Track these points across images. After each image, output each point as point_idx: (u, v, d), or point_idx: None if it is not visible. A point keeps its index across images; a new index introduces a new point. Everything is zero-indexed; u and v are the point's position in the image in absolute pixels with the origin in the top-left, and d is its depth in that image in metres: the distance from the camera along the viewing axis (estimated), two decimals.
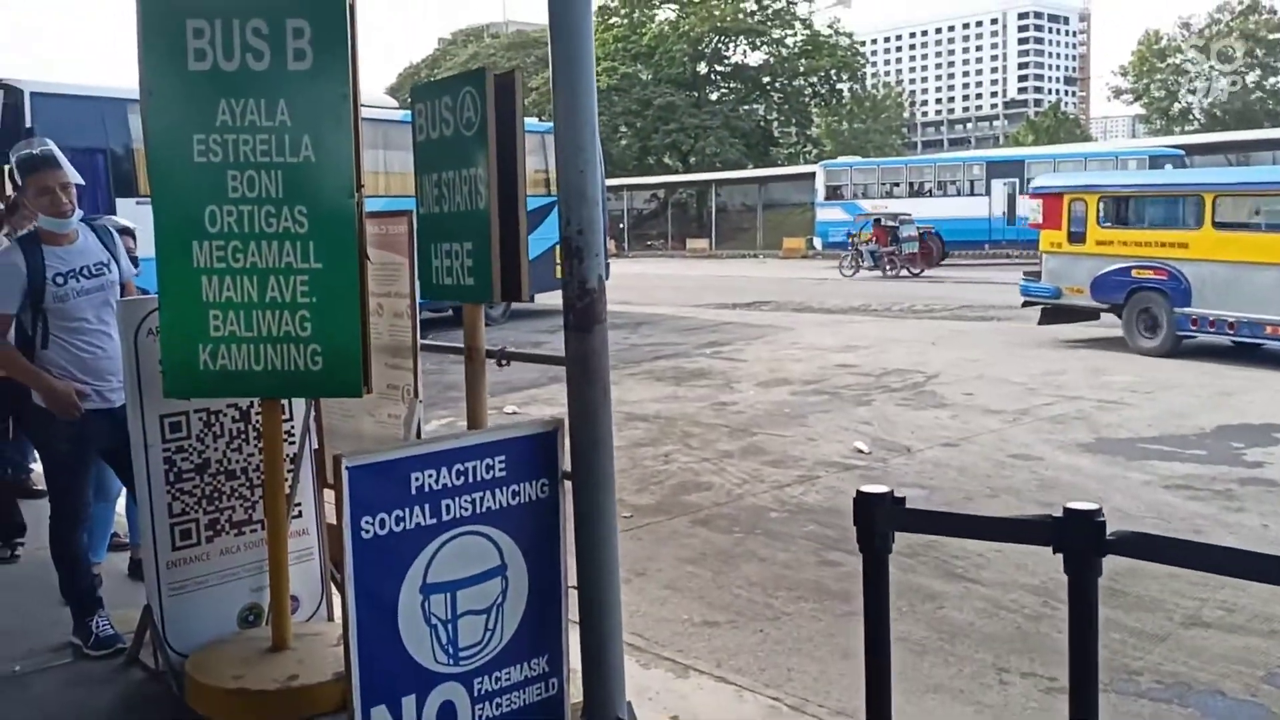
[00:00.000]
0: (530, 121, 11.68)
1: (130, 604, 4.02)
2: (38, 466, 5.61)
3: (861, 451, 7.39)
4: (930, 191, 32.56)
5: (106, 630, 3.81)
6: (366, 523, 2.56)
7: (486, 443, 2.82)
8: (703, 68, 55.87)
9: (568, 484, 2.87)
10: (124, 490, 4.31)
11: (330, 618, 3.92)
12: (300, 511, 3.90)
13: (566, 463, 2.87)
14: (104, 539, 4.68)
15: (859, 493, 2.23)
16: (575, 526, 2.81)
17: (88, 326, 3.74)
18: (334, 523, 4.19)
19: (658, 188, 48.83)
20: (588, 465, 2.77)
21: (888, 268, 26.37)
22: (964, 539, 4.53)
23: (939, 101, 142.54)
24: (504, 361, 3.34)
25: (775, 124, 59.15)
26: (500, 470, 2.82)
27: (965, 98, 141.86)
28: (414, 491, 2.66)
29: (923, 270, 26.54)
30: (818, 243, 33.75)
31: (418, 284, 3.45)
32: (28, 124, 10.84)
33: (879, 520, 2.21)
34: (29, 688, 3.56)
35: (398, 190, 13.46)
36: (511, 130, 3.00)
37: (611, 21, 54.19)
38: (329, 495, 4.08)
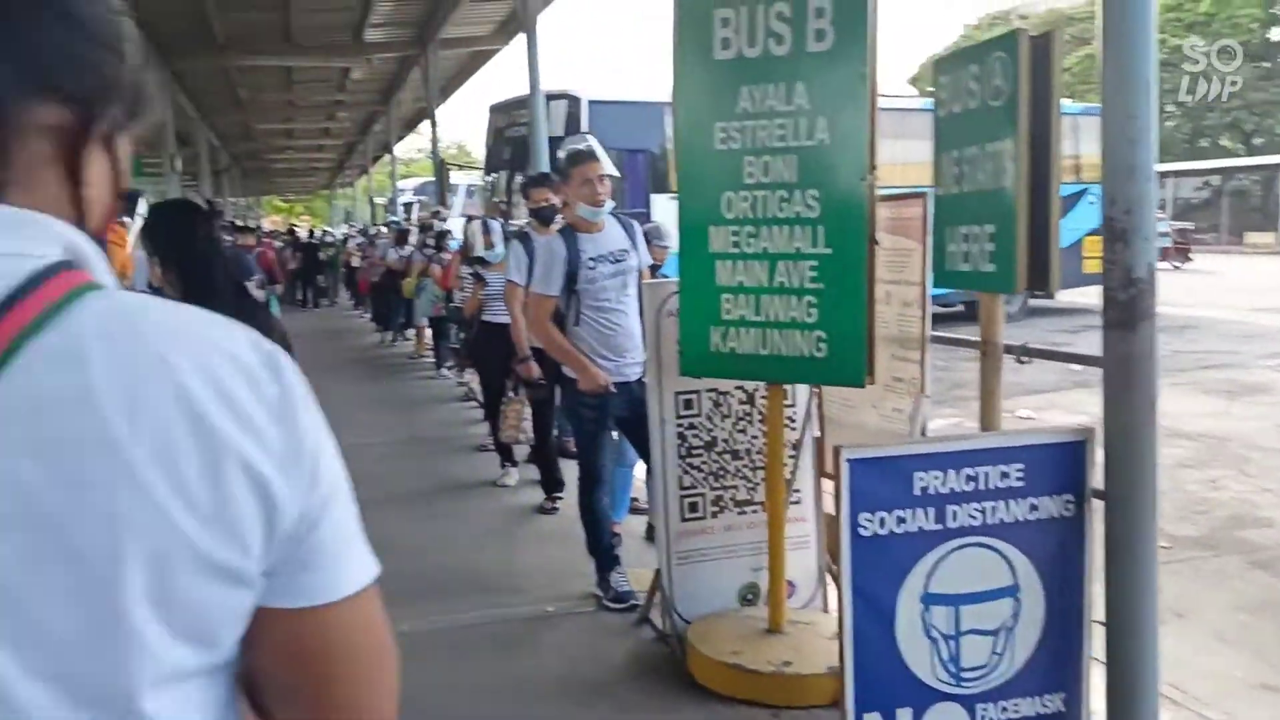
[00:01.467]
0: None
1: (645, 565, 4.34)
2: None
3: None
4: None
5: (624, 586, 4.13)
6: (865, 520, 2.43)
7: (1001, 448, 2.53)
8: (1276, 34, 47.64)
9: (1097, 503, 2.48)
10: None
11: (825, 608, 3.86)
12: (799, 498, 3.89)
13: (1095, 478, 2.48)
14: (624, 501, 5.11)
15: None
16: (1106, 552, 2.42)
17: (609, 306, 4.08)
18: (832, 514, 4.14)
19: (1210, 174, 42.61)
20: (1126, 484, 2.36)
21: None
22: None
23: None
24: (1023, 359, 3.00)
25: None
26: (1017, 479, 2.52)
27: None
28: (917, 492, 2.47)
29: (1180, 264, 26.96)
30: None
31: (930, 271, 3.23)
32: (584, 128, 12.34)
33: None
34: (557, 628, 3.97)
35: (914, 181, 13.21)
36: (1046, 99, 2.66)
37: None
38: (828, 486, 4.03)
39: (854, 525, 2.42)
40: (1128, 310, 2.34)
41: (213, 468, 0.66)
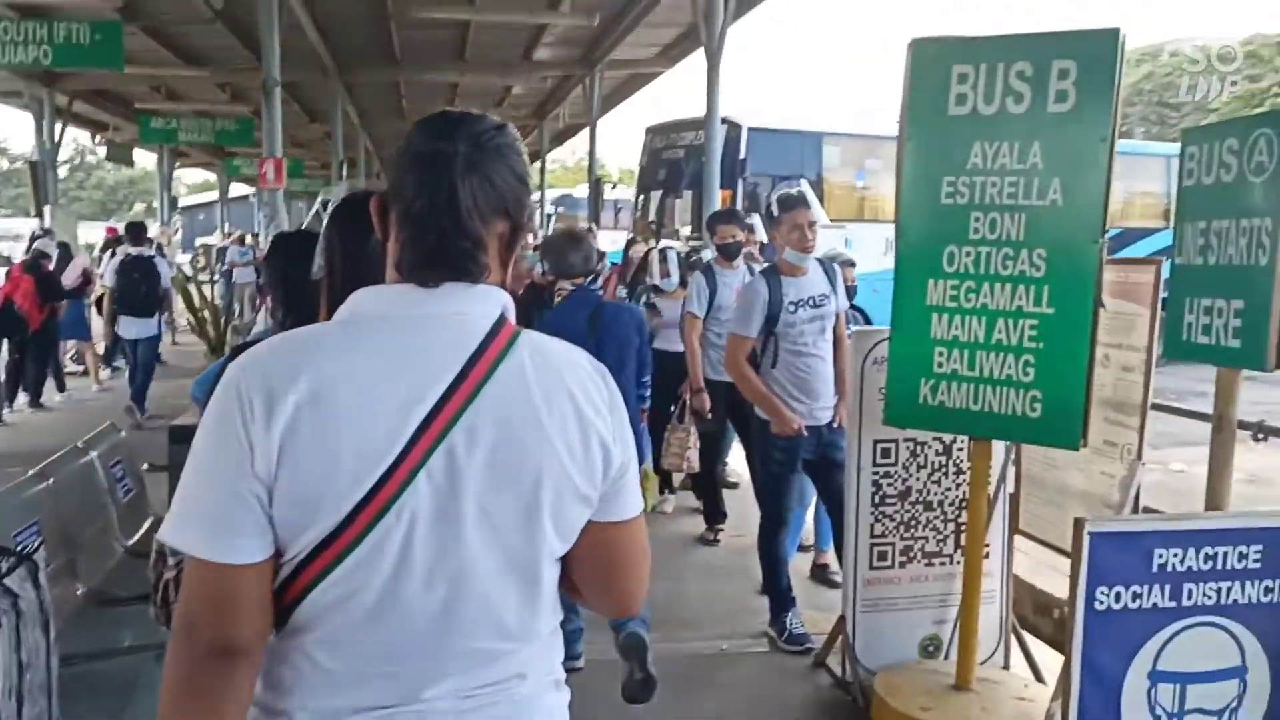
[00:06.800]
0: None
1: (809, 605, 4.36)
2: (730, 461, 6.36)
3: None
4: None
5: (798, 629, 4.15)
6: (1102, 594, 2.41)
7: (1244, 528, 2.49)
8: None
9: None
10: (815, 497, 4.68)
11: (1007, 666, 3.82)
12: (988, 553, 3.85)
13: None
14: (794, 540, 5.12)
15: None
16: None
17: (806, 350, 4.11)
18: (1018, 573, 4.08)
19: None
20: None
21: None
22: None
23: None
24: (1260, 436, 2.92)
25: None
26: (1254, 560, 2.48)
27: None
28: (1155, 569, 2.44)
29: None
30: None
31: (1160, 340, 3.17)
32: (742, 155, 12.30)
33: None
34: (735, 666, 4.01)
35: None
36: None
37: None
38: (1019, 543, 3.99)
39: (1090, 599, 2.41)
40: None
41: (584, 437, 1.21)
